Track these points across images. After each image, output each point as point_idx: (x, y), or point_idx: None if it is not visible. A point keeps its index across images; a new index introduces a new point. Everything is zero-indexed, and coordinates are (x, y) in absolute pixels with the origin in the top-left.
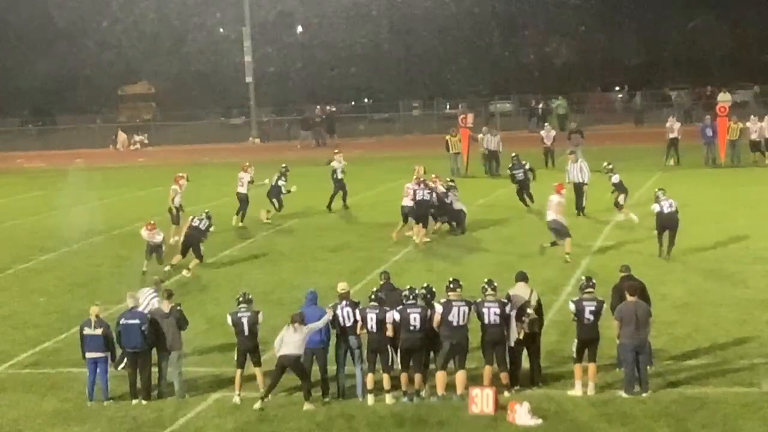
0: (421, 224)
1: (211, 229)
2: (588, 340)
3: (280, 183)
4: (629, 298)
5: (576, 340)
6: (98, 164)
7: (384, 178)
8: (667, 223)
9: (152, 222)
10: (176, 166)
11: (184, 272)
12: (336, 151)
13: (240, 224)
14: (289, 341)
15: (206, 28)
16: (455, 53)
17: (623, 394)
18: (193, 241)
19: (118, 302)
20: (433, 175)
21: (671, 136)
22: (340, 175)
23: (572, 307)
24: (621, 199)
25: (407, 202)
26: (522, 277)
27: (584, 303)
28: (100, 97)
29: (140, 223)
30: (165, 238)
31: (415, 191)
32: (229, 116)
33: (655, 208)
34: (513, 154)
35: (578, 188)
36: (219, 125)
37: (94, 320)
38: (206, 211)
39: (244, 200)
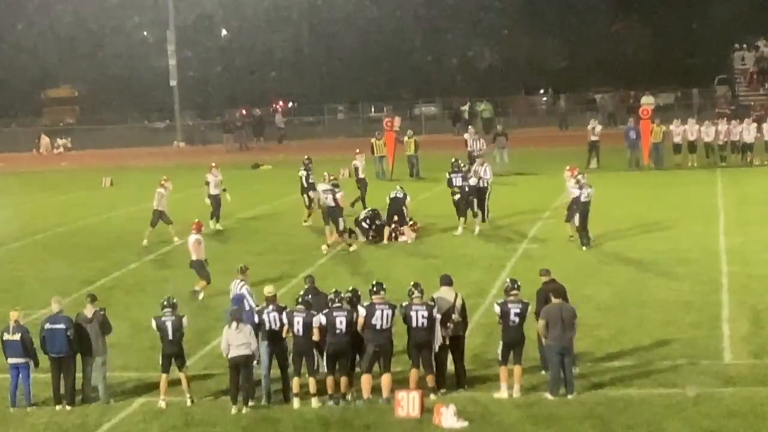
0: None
1: (339, 195)
2: (513, 343)
3: (311, 179)
4: (554, 300)
5: (501, 343)
6: (21, 168)
7: None
8: (582, 211)
9: (197, 220)
10: (100, 170)
11: (323, 248)
12: (357, 151)
13: (218, 227)
14: (237, 342)
15: (125, 31)
16: (377, 57)
17: (548, 396)
18: (333, 216)
19: (42, 307)
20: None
21: (593, 138)
22: (361, 174)
23: (497, 309)
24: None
25: (330, 202)
26: (447, 281)
27: (509, 305)
28: (18, 101)
29: (63, 227)
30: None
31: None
32: (152, 120)
33: (574, 192)
34: (453, 159)
35: (482, 192)
36: (142, 129)
37: (13, 325)
38: (332, 179)
39: (216, 202)
